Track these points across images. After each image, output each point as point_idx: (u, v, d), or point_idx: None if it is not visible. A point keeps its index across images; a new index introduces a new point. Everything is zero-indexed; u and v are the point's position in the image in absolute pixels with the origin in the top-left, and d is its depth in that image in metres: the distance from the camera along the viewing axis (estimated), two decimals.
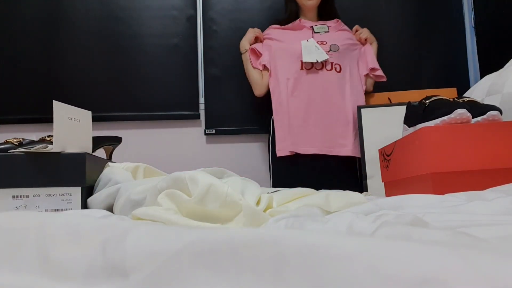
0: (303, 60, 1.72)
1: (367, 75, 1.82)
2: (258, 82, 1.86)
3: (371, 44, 1.85)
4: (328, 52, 1.75)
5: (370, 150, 1.66)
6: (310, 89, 1.74)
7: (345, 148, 1.71)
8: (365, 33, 1.84)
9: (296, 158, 1.73)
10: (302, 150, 1.72)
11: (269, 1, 2.15)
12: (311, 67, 1.75)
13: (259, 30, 1.89)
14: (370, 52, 1.83)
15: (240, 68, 2.10)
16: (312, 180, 1.63)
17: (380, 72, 1.81)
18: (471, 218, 0.48)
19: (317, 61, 1.72)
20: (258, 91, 1.87)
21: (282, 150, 1.74)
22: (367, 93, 1.86)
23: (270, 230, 0.31)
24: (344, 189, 1.15)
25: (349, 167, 1.75)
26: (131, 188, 0.80)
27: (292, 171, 1.73)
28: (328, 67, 1.74)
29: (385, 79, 1.81)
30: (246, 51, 1.88)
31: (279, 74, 1.78)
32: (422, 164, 0.91)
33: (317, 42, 1.76)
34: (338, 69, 1.75)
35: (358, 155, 1.72)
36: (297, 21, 1.84)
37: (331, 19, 1.87)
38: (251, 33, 1.88)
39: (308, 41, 1.76)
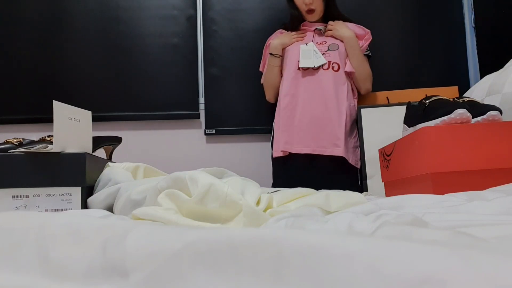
0: (300, 66, 1.73)
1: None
2: (273, 86, 1.85)
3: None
4: (326, 51, 1.74)
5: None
6: (306, 89, 1.73)
7: (338, 148, 1.67)
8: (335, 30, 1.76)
9: (293, 158, 1.72)
10: (296, 150, 1.71)
11: (268, 1, 2.15)
12: (308, 67, 1.75)
13: (295, 35, 1.81)
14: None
15: (240, 68, 2.10)
16: (310, 180, 1.62)
17: (347, 68, 1.74)
18: (471, 218, 0.48)
19: (314, 67, 1.71)
20: (268, 96, 1.90)
21: (277, 151, 1.76)
22: (367, 89, 1.80)
23: (270, 230, 0.31)
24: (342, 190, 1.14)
25: (350, 168, 1.72)
26: (131, 188, 0.80)
27: (290, 172, 1.73)
28: (325, 66, 1.73)
29: (353, 70, 1.73)
30: (279, 56, 1.81)
31: (283, 77, 1.81)
32: (422, 164, 0.91)
33: (316, 43, 1.75)
34: (336, 68, 1.73)
35: (348, 157, 1.68)
36: (300, 27, 1.84)
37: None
38: (287, 38, 1.80)
39: (307, 45, 1.75)
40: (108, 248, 0.34)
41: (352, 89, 1.79)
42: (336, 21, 1.79)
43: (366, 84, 1.79)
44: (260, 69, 1.94)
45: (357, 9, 2.14)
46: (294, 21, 1.85)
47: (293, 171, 1.72)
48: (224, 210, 0.66)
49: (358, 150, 1.73)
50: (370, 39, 1.77)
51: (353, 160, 1.71)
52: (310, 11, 1.77)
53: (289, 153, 1.72)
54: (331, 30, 1.77)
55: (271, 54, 1.81)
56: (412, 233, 0.37)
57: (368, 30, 1.79)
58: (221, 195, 0.65)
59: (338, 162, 1.69)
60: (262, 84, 1.91)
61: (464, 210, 0.55)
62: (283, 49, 1.81)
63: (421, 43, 2.14)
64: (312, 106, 1.71)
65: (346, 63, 1.75)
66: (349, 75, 1.76)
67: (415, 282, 0.24)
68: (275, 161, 1.79)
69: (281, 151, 1.74)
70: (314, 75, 1.73)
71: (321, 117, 1.70)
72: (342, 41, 1.76)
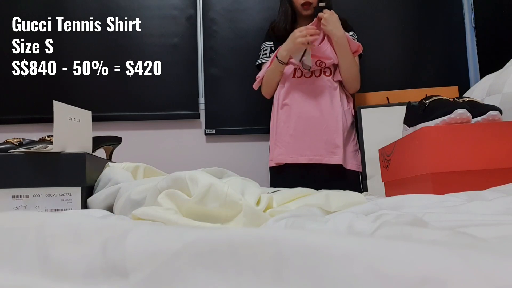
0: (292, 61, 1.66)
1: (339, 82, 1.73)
2: (272, 86, 1.78)
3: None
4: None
5: (370, 150, 1.65)
6: (300, 97, 1.69)
7: (336, 156, 1.63)
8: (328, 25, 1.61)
9: (290, 168, 1.69)
10: (292, 160, 1.68)
11: (268, 1, 2.14)
12: (301, 75, 1.71)
13: (309, 35, 1.55)
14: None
15: (240, 68, 2.10)
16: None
17: (336, 77, 1.70)
18: (471, 218, 0.48)
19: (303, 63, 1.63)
20: (264, 91, 1.82)
21: (271, 161, 1.75)
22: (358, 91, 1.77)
23: (270, 230, 0.31)
24: None
25: (349, 173, 1.68)
26: (131, 188, 0.80)
27: (287, 181, 1.65)
28: (317, 73, 1.69)
29: (340, 79, 1.70)
30: (283, 64, 1.66)
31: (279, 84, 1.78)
32: (422, 164, 0.91)
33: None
34: (328, 73, 1.69)
35: (347, 164, 1.64)
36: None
37: None
38: (298, 44, 1.56)
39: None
40: (108, 248, 0.34)
41: (346, 94, 1.76)
42: (330, 13, 1.61)
43: (354, 85, 1.72)
44: (258, 63, 1.86)
45: (357, 8, 2.14)
46: (287, 18, 1.76)
47: (290, 180, 1.64)
48: (224, 210, 0.66)
49: (359, 153, 1.70)
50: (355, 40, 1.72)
51: (353, 164, 1.68)
52: (307, 4, 1.71)
53: (285, 163, 1.70)
54: (322, 22, 1.60)
55: (277, 59, 1.68)
56: (412, 233, 0.37)
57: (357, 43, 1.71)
58: (221, 195, 0.65)
59: (336, 168, 1.65)
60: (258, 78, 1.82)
61: (464, 210, 0.55)
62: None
63: (421, 43, 2.14)
64: (307, 114, 1.68)
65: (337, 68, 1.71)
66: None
67: (415, 282, 0.24)
68: (272, 170, 1.78)
69: (275, 163, 1.72)
70: (308, 82, 1.69)
71: (317, 125, 1.66)
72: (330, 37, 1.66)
